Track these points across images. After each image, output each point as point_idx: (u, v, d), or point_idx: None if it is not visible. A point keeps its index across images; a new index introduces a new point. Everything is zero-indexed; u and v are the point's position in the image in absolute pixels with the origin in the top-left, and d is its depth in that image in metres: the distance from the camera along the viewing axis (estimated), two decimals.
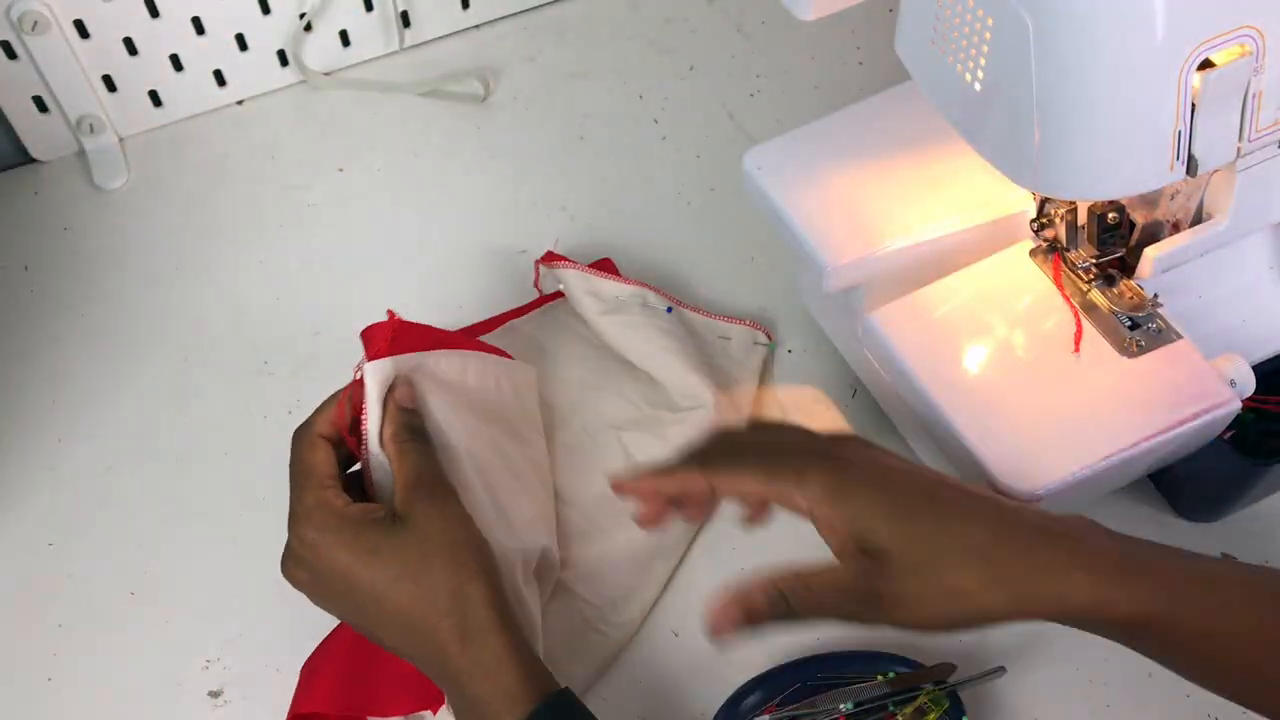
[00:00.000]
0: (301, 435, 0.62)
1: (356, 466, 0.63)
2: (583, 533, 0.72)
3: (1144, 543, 0.53)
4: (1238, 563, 0.56)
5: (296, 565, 0.59)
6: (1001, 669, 0.66)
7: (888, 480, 0.54)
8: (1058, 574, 0.51)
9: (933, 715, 0.64)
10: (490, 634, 0.56)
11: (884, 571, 0.52)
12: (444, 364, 0.67)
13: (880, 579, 0.52)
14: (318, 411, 0.63)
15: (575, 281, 0.80)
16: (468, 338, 0.75)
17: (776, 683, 0.67)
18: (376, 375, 0.63)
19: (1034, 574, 0.51)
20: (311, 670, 0.68)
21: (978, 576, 0.51)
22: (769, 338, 0.81)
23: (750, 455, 0.57)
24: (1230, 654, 0.52)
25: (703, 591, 0.72)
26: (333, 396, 0.63)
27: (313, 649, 0.69)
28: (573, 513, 0.73)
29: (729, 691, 0.66)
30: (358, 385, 0.63)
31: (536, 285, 0.83)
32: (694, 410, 0.74)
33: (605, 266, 0.84)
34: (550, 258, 0.82)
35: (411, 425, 0.62)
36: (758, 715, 0.66)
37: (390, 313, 0.68)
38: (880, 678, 0.66)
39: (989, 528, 0.52)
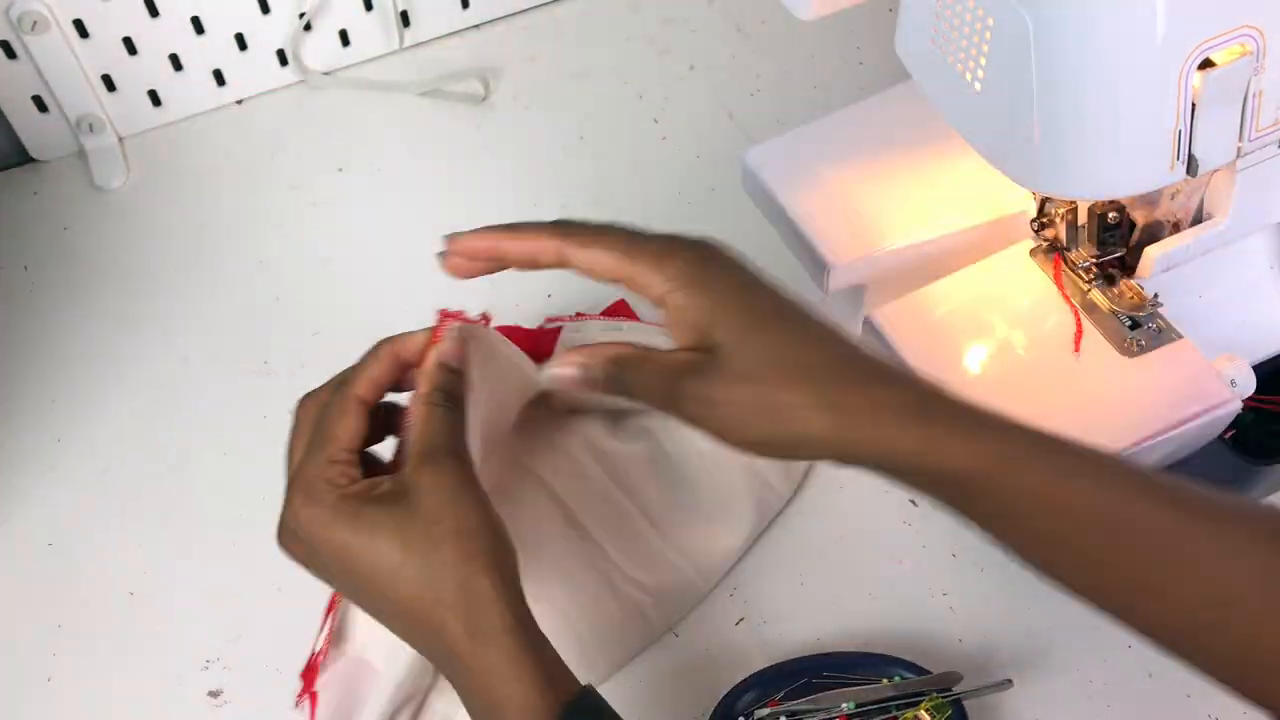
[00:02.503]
0: (336, 396, 0.55)
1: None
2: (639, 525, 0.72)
3: (988, 409, 0.50)
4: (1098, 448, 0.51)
5: (291, 538, 0.54)
6: (1008, 681, 0.65)
7: (745, 283, 0.52)
8: (888, 414, 0.48)
9: None
10: (503, 634, 0.51)
11: (710, 371, 0.49)
12: (492, 338, 0.62)
13: (704, 378, 0.49)
14: (357, 370, 0.56)
15: (601, 335, 0.77)
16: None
17: (779, 678, 0.66)
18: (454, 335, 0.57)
19: (865, 409, 0.48)
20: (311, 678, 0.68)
21: (805, 398, 0.48)
22: None
23: (609, 234, 0.53)
24: (1065, 529, 0.49)
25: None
26: (371, 354, 0.56)
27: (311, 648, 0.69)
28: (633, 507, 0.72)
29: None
30: (434, 341, 0.57)
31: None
32: None
33: (620, 310, 0.81)
34: (551, 322, 0.80)
35: (447, 388, 0.55)
36: (760, 707, 0.66)
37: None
38: (885, 681, 0.66)
39: (832, 353, 0.50)
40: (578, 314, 0.82)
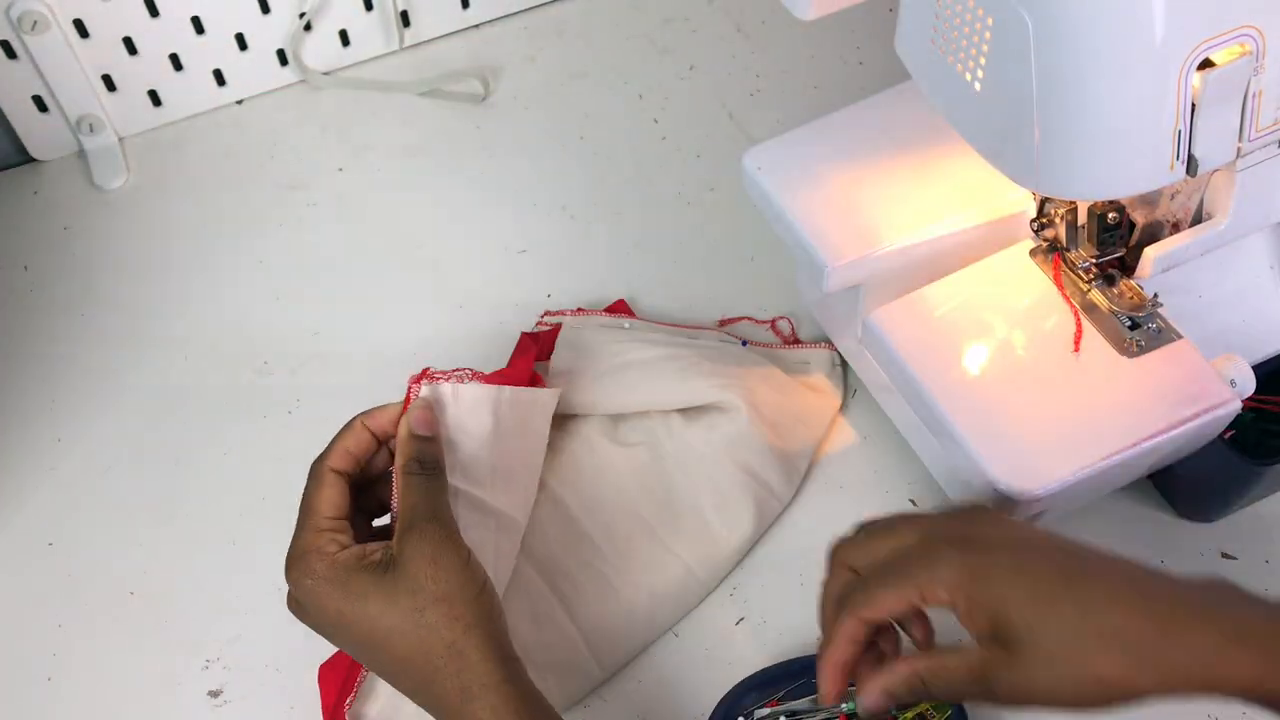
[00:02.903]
0: (313, 469, 0.59)
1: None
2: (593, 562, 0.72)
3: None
4: None
5: (298, 607, 0.58)
6: None
7: (1021, 560, 0.51)
8: (1212, 654, 0.47)
9: None
10: (490, 690, 0.54)
11: (1016, 662, 0.49)
12: (476, 393, 0.63)
13: (1013, 670, 0.49)
14: (334, 441, 0.60)
15: (603, 331, 0.79)
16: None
17: (779, 678, 0.67)
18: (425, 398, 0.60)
19: (1187, 657, 0.48)
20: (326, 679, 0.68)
21: (1123, 663, 0.48)
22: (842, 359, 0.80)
23: (875, 576, 0.53)
24: None
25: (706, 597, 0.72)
26: (345, 427, 0.60)
27: (311, 648, 0.69)
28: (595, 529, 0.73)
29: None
30: (404, 410, 0.59)
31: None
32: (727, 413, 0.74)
33: (620, 308, 0.83)
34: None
35: (423, 456, 0.59)
36: (760, 707, 0.66)
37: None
38: None
39: (1131, 609, 0.49)
40: (579, 309, 0.82)
